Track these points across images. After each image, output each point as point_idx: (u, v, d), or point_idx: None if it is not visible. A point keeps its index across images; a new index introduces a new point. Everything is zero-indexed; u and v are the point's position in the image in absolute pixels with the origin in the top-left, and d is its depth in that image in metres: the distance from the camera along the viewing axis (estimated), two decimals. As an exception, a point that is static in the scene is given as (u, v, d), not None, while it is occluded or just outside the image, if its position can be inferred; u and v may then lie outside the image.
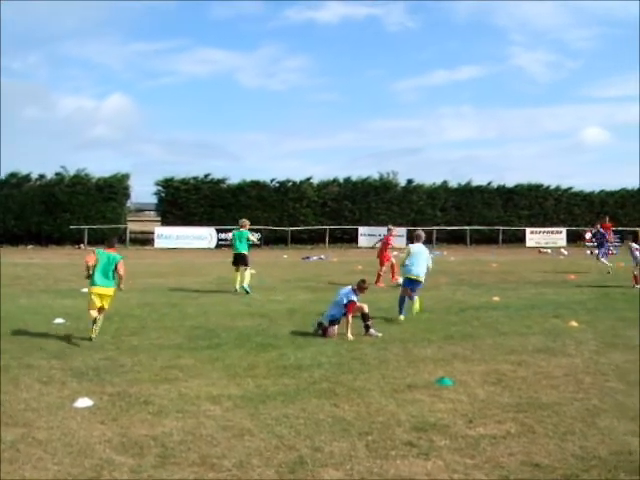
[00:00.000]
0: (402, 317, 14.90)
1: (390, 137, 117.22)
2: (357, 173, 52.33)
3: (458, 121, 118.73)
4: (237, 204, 46.16)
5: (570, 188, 54.07)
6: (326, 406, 8.22)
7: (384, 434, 7.20)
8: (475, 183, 51.75)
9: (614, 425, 7.57)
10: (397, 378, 9.62)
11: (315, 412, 7.96)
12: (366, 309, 13.19)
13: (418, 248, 15.99)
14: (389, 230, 24.77)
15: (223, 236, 43.51)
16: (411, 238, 21.69)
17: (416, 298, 15.30)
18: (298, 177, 48.61)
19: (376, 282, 21.81)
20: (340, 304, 13.14)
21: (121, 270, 12.48)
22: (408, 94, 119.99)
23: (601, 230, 30.40)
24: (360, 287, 13.51)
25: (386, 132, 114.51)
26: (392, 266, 22.89)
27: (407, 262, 15.69)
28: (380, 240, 25.09)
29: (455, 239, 48.53)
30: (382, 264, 23.08)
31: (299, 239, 46.58)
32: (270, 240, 45.65)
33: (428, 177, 62.44)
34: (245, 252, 20.70)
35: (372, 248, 24.16)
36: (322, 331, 12.96)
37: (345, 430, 7.32)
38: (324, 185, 48.86)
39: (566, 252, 41.79)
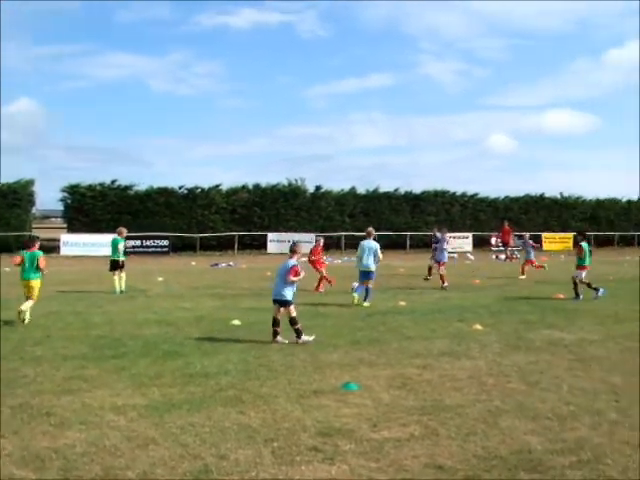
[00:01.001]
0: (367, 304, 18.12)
1: (301, 143, 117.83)
2: (270, 179, 52.24)
3: (368, 128, 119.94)
4: (145, 211, 45.56)
5: (476, 194, 55.28)
6: (232, 413, 8.16)
7: (290, 440, 7.19)
8: (383, 189, 52.37)
9: (515, 425, 7.74)
10: (303, 384, 9.63)
11: (221, 420, 7.89)
12: (293, 313, 13.12)
13: (367, 243, 19.37)
14: (317, 241, 24.97)
15: (131, 243, 42.94)
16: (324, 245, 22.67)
17: (355, 295, 18.40)
18: (209, 183, 48.33)
19: (316, 288, 22.60)
20: (283, 275, 13.25)
21: (42, 263, 15.49)
22: (319, 101, 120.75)
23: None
24: (292, 250, 13.76)
25: (297, 138, 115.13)
26: (321, 278, 23.04)
27: (358, 256, 19.20)
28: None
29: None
30: (319, 270, 23.34)
31: (208, 246, 46.23)
32: (178, 247, 45.22)
33: (339, 183, 62.98)
34: (119, 258, 21.98)
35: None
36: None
37: (251, 437, 7.28)
38: (233, 192, 48.60)
39: (472, 257, 42.61)
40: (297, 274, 13.28)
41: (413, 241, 49.48)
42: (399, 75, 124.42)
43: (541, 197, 57.81)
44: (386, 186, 53.35)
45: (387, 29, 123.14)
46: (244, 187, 49.14)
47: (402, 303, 18.53)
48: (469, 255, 43.67)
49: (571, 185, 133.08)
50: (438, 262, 24.48)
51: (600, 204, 60.25)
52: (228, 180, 50.51)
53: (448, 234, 27.22)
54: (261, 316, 15.79)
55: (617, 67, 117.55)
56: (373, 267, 18.93)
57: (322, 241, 25.41)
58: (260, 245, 46.86)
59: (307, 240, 46.10)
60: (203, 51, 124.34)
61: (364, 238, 20.06)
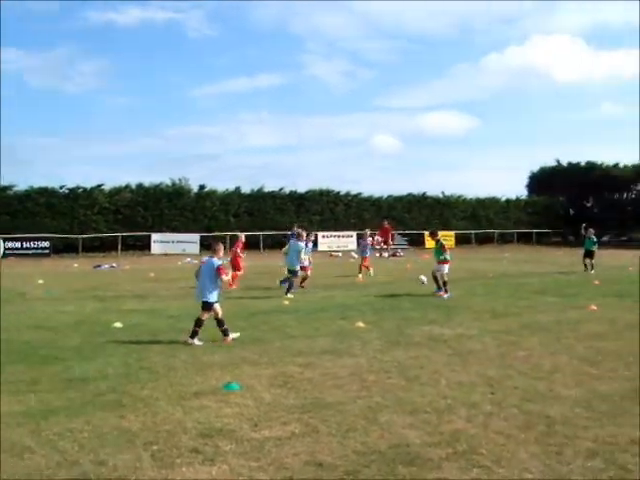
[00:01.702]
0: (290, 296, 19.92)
1: (189, 143, 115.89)
2: (157, 179, 51.39)
3: (257, 128, 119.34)
4: (24, 211, 44.14)
5: (360, 194, 56.06)
6: (111, 418, 8.01)
7: (170, 442, 7.11)
8: (268, 189, 52.43)
9: (394, 420, 7.86)
10: (185, 385, 9.54)
11: (100, 425, 7.73)
12: (220, 314, 13.05)
13: (293, 244, 21.42)
14: (239, 237, 25.21)
15: (10, 245, 41.69)
16: (210, 245, 22.67)
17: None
18: (91, 183, 47.26)
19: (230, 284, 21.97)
20: (209, 276, 13.07)
21: None
22: (208, 100, 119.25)
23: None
24: (214, 249, 13.67)
25: (185, 138, 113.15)
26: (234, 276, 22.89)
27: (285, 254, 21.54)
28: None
29: (249, 245, 48.76)
30: (238, 269, 23.48)
31: (90, 247, 45.19)
32: (60, 249, 44.08)
33: (227, 183, 62.52)
34: None
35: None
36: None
37: (130, 441, 7.16)
38: (116, 191, 47.70)
39: (356, 255, 43.00)
40: (225, 273, 13.29)
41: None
42: (287, 75, 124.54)
43: (423, 196, 59.10)
44: (272, 185, 53.56)
45: (275, 29, 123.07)
46: (127, 187, 48.33)
47: (286, 302, 18.60)
48: (353, 254, 44.06)
49: (453, 185, 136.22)
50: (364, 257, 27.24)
51: (480, 203, 62.11)
52: (112, 180, 49.68)
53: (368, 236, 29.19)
54: (143, 318, 15.66)
55: (496, 71, 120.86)
56: (297, 267, 20.99)
57: (243, 237, 25.66)
58: (144, 246, 46.21)
59: (191, 240, 45.96)
60: (89, 48, 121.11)
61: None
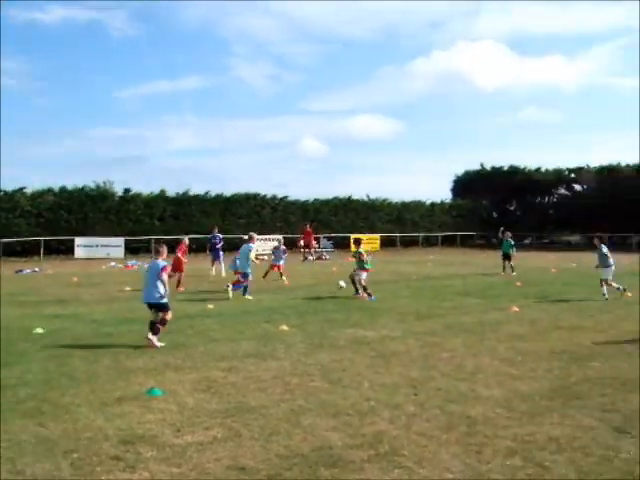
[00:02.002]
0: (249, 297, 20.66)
1: (113, 145, 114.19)
2: (79, 182, 50.52)
3: (182, 131, 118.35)
4: (-58, 215, 42.91)
5: (286, 197, 55.97)
6: (30, 426, 7.84)
7: (90, 450, 7.00)
8: (193, 192, 52.04)
9: (317, 423, 7.89)
10: (107, 391, 9.40)
11: (18, 433, 7.56)
12: (169, 317, 13.35)
13: (243, 248, 21.91)
14: (182, 241, 26.15)
15: None
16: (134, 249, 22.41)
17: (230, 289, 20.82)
18: (13, 186, 46.10)
19: (177, 287, 23.01)
20: (154, 277, 13.22)
21: None
22: (131, 102, 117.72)
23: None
24: (158, 251, 13.96)
25: (109, 140, 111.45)
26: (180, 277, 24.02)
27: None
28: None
29: (174, 249, 48.24)
30: (180, 269, 24.24)
31: (12, 251, 44.08)
32: (-21, 254, 42.97)
33: (152, 186, 61.72)
34: None
35: None
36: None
37: (49, 450, 7.02)
38: (39, 194, 46.66)
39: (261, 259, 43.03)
40: (166, 271, 13.47)
41: (224, 244, 49.33)
42: (212, 78, 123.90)
43: (349, 199, 59.40)
44: (198, 189, 53.17)
45: (200, 31, 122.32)
46: (50, 190, 47.27)
47: (210, 306, 18.45)
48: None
49: (378, 188, 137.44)
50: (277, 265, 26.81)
51: (405, 206, 62.76)
52: (34, 183, 48.60)
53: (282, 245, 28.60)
54: (66, 323, 15.40)
55: (422, 75, 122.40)
56: (247, 270, 21.25)
57: (187, 240, 26.54)
58: (67, 250, 45.29)
59: (115, 244, 45.33)
60: (10, 46, 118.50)
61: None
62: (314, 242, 44.20)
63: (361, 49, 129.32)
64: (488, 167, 72.60)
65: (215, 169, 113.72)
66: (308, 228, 43.91)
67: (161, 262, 13.47)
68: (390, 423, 7.88)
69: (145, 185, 73.74)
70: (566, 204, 67.54)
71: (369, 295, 20.61)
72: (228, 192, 53.56)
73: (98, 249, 44.91)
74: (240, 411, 8.38)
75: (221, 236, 32.07)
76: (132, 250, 46.27)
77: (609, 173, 63.61)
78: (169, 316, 13.33)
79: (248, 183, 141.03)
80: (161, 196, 50.57)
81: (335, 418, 8.06)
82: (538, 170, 69.60)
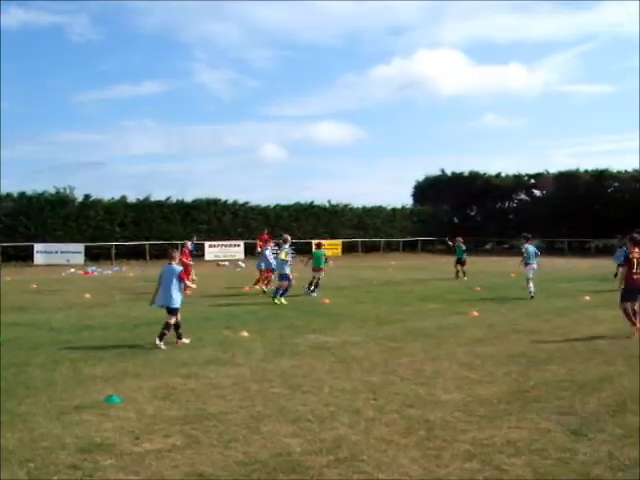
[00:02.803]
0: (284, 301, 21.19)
1: (73, 150, 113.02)
2: (39, 187, 49.81)
3: (142, 135, 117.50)
4: None
5: (247, 202, 55.91)
6: (-14, 435, 7.74)
7: (47, 459, 6.90)
8: (154, 198, 51.79)
9: (276, 429, 7.87)
10: (65, 400, 9.28)
11: (-27, 443, 7.47)
12: (172, 320, 13.70)
13: (282, 249, 22.41)
14: (185, 245, 27.25)
15: None
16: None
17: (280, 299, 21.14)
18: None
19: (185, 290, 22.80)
20: (170, 281, 13.79)
21: None
22: (91, 106, 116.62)
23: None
24: (171, 257, 14.27)
25: (68, 145, 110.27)
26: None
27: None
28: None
29: (135, 255, 48.10)
30: (189, 273, 24.20)
31: (-31, 258, 43.59)
32: None
33: (112, 192, 61.20)
34: None
35: None
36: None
37: (6, 460, 6.90)
38: (-3, 200, 46.15)
39: (243, 264, 42.95)
40: (187, 277, 13.97)
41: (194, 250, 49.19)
42: (173, 83, 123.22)
43: (310, 205, 59.46)
44: (159, 195, 52.94)
45: (162, 36, 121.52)
46: (8, 195, 46.72)
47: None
48: (240, 263, 44.00)
49: (340, 194, 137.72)
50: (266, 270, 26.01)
51: (367, 212, 62.91)
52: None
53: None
54: (24, 331, 15.22)
55: (383, 82, 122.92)
56: (287, 270, 21.88)
57: (189, 244, 27.60)
58: (26, 256, 44.78)
59: (75, 250, 44.88)
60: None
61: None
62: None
63: (322, 55, 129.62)
64: (449, 173, 73.15)
65: (176, 175, 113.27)
66: (266, 234, 43.91)
67: (177, 267, 14.09)
68: (349, 428, 7.89)
69: (105, 191, 73.07)
70: (526, 209, 68.26)
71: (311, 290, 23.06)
72: (189, 198, 53.47)
73: (58, 255, 44.46)
74: (199, 418, 8.34)
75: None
76: (92, 257, 45.90)
77: (568, 179, 64.34)
78: (173, 320, 13.70)
79: (209, 189, 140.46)
80: (122, 202, 50.22)
81: (294, 424, 8.06)
82: (498, 176, 70.28)
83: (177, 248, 15.04)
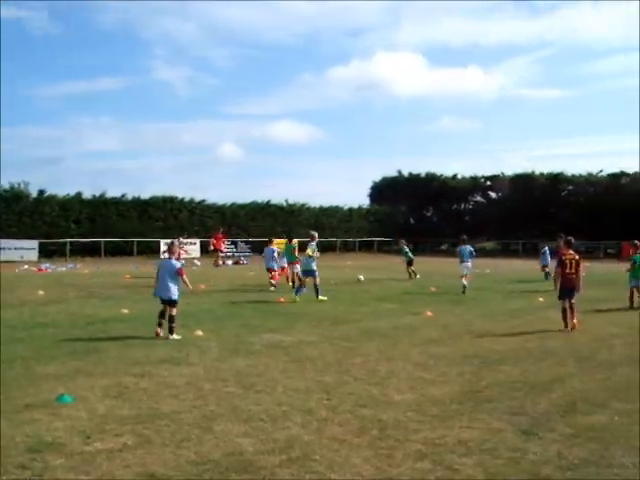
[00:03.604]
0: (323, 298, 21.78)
1: (28, 146, 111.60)
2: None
3: (99, 132, 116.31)
4: None
5: (203, 200, 55.71)
6: None
7: (-4, 459, 6.82)
8: (110, 195, 51.34)
9: (229, 428, 7.84)
10: (15, 398, 9.13)
11: None
12: (174, 312, 14.43)
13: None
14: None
15: None
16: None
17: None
18: None
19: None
20: (168, 276, 14.42)
21: None
22: (47, 101, 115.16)
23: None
24: (172, 251, 15.14)
25: (23, 140, 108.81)
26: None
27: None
28: None
29: (89, 251, 47.63)
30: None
31: None
32: None
33: (68, 188, 60.49)
34: None
35: None
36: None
37: (-46, 459, 6.82)
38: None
39: (199, 263, 42.75)
40: (185, 273, 14.82)
41: (140, 247, 48.87)
42: (131, 80, 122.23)
43: (267, 204, 59.42)
44: (115, 192, 52.52)
45: (120, 32, 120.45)
46: (-39, 190, 46.08)
47: (125, 311, 18.22)
48: (196, 261, 43.77)
49: (297, 193, 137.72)
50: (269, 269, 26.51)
51: (324, 212, 63.01)
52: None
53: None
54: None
55: (341, 82, 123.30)
56: (314, 266, 22.13)
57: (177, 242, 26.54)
58: (-22, 252, 44.10)
59: (29, 247, 44.29)
60: None
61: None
62: (223, 246, 44.19)
63: (281, 55, 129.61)
64: (405, 174, 73.46)
65: (133, 172, 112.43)
66: (220, 232, 43.84)
67: (176, 262, 14.78)
68: (302, 428, 7.89)
69: (61, 187, 72.15)
70: (482, 211, 68.90)
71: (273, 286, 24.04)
72: (145, 195, 53.10)
73: (11, 252, 43.81)
74: (151, 417, 8.28)
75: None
76: (47, 253, 45.32)
77: (523, 181, 65.05)
78: (175, 312, 14.43)
79: (166, 186, 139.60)
80: (77, 198, 49.67)
81: (247, 423, 8.03)
82: (454, 177, 70.79)
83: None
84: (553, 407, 8.94)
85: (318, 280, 22.15)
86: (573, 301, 15.91)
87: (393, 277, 31.67)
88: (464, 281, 24.87)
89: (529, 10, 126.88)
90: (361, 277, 29.87)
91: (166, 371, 10.92)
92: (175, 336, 14.09)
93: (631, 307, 20.11)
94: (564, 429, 7.92)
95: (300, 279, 23.19)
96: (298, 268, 23.89)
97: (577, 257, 16.19)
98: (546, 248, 31.80)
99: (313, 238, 22.99)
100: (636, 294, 20.47)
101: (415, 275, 31.39)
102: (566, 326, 15.63)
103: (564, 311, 15.83)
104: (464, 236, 27.28)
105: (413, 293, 24.45)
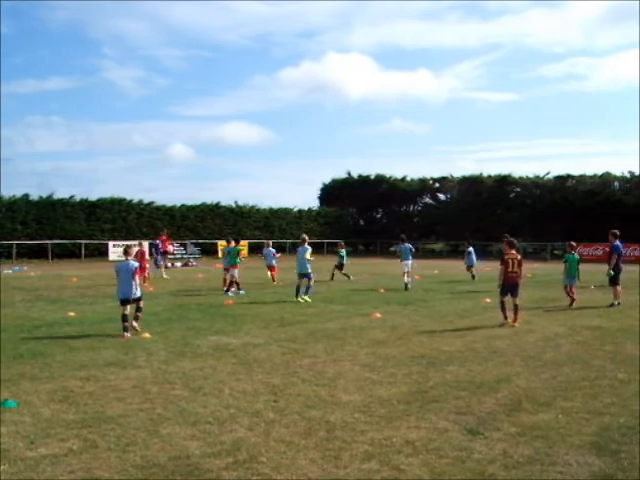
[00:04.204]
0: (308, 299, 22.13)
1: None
2: None
3: (48, 132, 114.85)
4: None
5: (152, 202, 55.31)
6: None
7: (-64, 465, 6.70)
8: (58, 196, 50.71)
9: (175, 431, 7.80)
10: (-43, 404, 9.02)
11: None
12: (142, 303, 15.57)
13: (299, 251, 23.39)
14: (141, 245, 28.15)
15: None
16: None
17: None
18: None
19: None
20: (130, 276, 15.02)
21: None
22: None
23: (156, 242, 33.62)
24: (127, 252, 15.58)
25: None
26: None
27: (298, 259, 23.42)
28: None
29: (37, 254, 47.01)
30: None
31: None
32: None
33: (16, 189, 59.46)
34: None
35: None
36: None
37: None
38: None
39: (148, 265, 42.31)
40: (139, 274, 16.07)
41: (88, 249, 48.35)
42: (80, 79, 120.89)
43: (217, 205, 59.23)
44: (62, 193, 51.91)
45: (71, 31, 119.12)
46: None
47: (71, 314, 18.00)
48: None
49: (247, 195, 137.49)
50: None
51: (273, 213, 63.02)
52: None
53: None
54: None
55: (292, 84, 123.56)
56: (309, 269, 22.64)
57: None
58: None
59: None
60: None
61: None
62: (170, 248, 43.85)
63: (232, 56, 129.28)
64: (355, 175, 73.76)
65: (81, 173, 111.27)
66: (165, 235, 43.53)
67: (133, 263, 15.19)
68: (249, 430, 7.88)
69: (7, 188, 70.91)
70: (431, 213, 69.46)
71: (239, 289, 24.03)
72: (93, 196, 52.57)
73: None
74: (97, 421, 8.20)
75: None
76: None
77: (472, 183, 65.74)
78: (142, 304, 15.61)
79: (115, 188, 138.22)
80: (24, 199, 48.93)
81: (194, 426, 8.00)
82: (404, 179, 71.29)
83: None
84: (499, 406, 9.04)
85: (312, 282, 22.75)
86: (517, 302, 16.87)
87: (341, 278, 31.68)
88: (406, 278, 26.87)
89: (479, 14, 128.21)
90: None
91: (112, 374, 10.80)
92: (137, 325, 15.16)
93: (570, 305, 20.65)
94: (509, 428, 8.02)
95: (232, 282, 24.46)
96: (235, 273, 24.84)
97: (519, 257, 17.18)
98: (471, 249, 32.46)
99: (305, 241, 23.47)
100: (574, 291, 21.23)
101: (348, 277, 31.65)
102: (505, 318, 16.72)
103: (502, 304, 16.93)
104: (403, 235, 29.24)
105: (361, 294, 24.50)
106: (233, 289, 24.12)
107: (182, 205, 57.29)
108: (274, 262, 29.91)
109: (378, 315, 18.12)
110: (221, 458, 6.89)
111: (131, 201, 54.04)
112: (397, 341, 14.22)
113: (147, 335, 14.49)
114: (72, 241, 48.09)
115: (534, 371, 11.28)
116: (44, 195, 50.30)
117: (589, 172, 61.82)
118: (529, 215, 59.43)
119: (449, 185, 68.40)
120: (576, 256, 22.16)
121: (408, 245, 28.12)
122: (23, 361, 11.87)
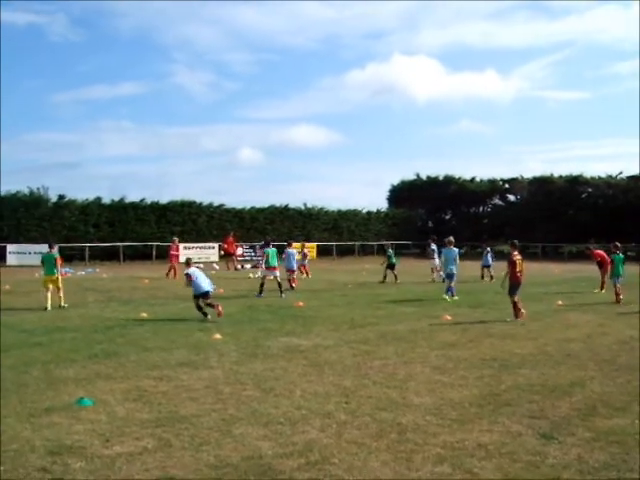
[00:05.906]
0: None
1: (47, 150, 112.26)
2: (13, 187, 49.38)
3: (118, 136, 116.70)
4: None
5: (222, 205, 55.64)
6: (-45, 438, 7.66)
7: (17, 462, 6.85)
8: (129, 199, 51.45)
9: (248, 432, 7.86)
10: (35, 402, 9.22)
11: (-58, 445, 7.38)
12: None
13: (449, 252, 24.65)
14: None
15: None
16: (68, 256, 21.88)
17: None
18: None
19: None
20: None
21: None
22: (67, 107, 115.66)
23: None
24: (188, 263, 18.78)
25: (43, 145, 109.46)
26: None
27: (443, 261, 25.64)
28: None
29: (109, 256, 47.78)
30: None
31: (-61, 259, 43.05)
32: None
33: (87, 193, 60.70)
34: None
35: None
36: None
37: (-26, 462, 6.86)
38: (-30, 200, 45.60)
39: (218, 267, 42.74)
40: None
41: (159, 251, 48.97)
42: (150, 84, 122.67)
43: (286, 208, 59.34)
44: (134, 196, 52.63)
45: (140, 37, 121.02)
46: (-18, 196, 46.26)
47: (144, 314, 18.26)
48: (215, 265, 43.74)
49: (315, 197, 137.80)
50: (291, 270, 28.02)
51: (342, 215, 62.88)
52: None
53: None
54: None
55: (359, 86, 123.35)
56: (455, 270, 24.00)
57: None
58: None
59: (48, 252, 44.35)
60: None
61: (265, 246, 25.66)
62: (236, 250, 44.19)
63: (300, 59, 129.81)
64: (424, 177, 73.32)
65: (152, 176, 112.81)
66: (231, 237, 43.82)
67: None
68: (321, 431, 7.89)
69: (80, 192, 72.43)
70: (500, 214, 68.63)
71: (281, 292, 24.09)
72: (164, 199, 53.12)
73: (31, 256, 43.95)
74: (171, 421, 8.31)
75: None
76: (66, 257, 45.40)
77: (542, 184, 64.78)
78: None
79: (185, 190, 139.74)
80: (96, 203, 49.77)
81: (266, 427, 8.04)
82: (473, 180, 70.58)
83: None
84: (573, 411, 8.90)
85: (454, 283, 23.99)
86: (516, 299, 18.14)
87: (411, 280, 31.55)
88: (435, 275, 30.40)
89: (548, 12, 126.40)
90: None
91: (185, 374, 10.95)
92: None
93: (617, 302, 22.11)
94: (584, 433, 7.89)
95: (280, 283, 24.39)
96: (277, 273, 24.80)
97: (520, 257, 18.66)
98: (488, 249, 32.11)
99: (451, 243, 24.87)
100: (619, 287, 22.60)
101: (396, 279, 31.21)
102: (516, 317, 17.89)
103: (514, 304, 18.08)
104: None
105: (431, 296, 24.33)
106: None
107: (251, 207, 57.54)
108: (301, 264, 30.16)
109: (448, 317, 17.99)
110: (293, 459, 6.92)
111: (201, 204, 54.42)
112: (468, 343, 14.10)
113: (218, 336, 14.61)
114: (143, 243, 48.74)
115: (609, 375, 11.08)
116: (116, 198, 51.03)
117: (664, 172, 60.25)
118: (601, 216, 58.23)
119: (519, 186, 67.46)
120: (621, 256, 23.49)
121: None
122: (98, 361, 12.10)
